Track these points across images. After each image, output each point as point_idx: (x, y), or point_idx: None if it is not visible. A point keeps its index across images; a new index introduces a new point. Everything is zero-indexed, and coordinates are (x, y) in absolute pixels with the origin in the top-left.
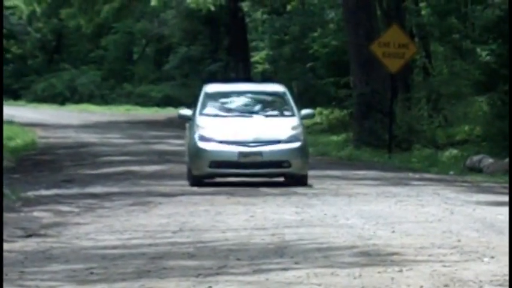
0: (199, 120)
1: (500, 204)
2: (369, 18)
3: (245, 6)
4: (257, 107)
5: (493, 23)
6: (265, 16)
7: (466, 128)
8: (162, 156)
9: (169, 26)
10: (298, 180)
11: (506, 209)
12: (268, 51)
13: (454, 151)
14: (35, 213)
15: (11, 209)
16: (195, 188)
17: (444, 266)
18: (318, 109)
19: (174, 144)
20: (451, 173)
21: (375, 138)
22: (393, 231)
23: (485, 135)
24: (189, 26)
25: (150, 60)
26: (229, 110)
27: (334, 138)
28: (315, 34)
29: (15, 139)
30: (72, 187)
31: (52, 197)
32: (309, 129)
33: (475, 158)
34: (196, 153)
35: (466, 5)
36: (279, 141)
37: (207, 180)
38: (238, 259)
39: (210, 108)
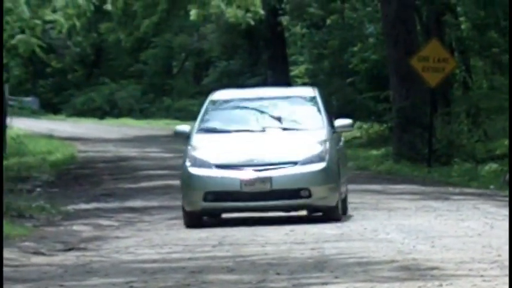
0: (195, 138)
1: None
2: (408, 32)
3: (284, 20)
4: (273, 118)
5: None
6: (304, 30)
7: (506, 142)
8: None
9: (208, 40)
10: (325, 214)
11: None
12: (307, 65)
13: (494, 165)
14: (75, 227)
15: (51, 223)
16: None
17: (484, 280)
18: (358, 123)
19: None
20: (491, 187)
21: (415, 152)
22: (433, 246)
23: None
24: (229, 40)
25: (189, 74)
26: (235, 124)
27: (374, 152)
28: (355, 48)
29: (55, 153)
30: (111, 201)
31: (92, 211)
32: (348, 144)
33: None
34: (188, 182)
35: (505, 19)
36: (295, 163)
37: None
38: (277, 273)
39: (212, 122)
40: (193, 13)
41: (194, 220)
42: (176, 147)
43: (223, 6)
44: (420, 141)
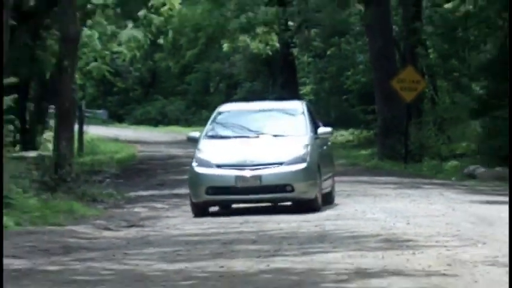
0: (202, 143)
1: (490, 203)
2: (389, 61)
3: (295, 51)
4: (267, 126)
5: (484, 64)
6: (310, 59)
7: (464, 144)
8: None
9: (237, 66)
10: (306, 206)
11: (495, 207)
12: (312, 86)
13: (455, 162)
14: (135, 209)
15: (117, 205)
16: None
17: (447, 250)
18: (350, 130)
19: None
20: (453, 179)
21: (394, 152)
22: (408, 223)
23: (479, 150)
24: (252, 66)
25: (222, 93)
26: (235, 131)
27: (363, 152)
28: (348, 73)
29: (120, 152)
30: (163, 189)
31: (148, 196)
32: (343, 145)
33: (471, 167)
34: (193, 179)
35: (463, 50)
36: (281, 163)
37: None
38: (289, 244)
39: (217, 130)
40: (225, 46)
41: (200, 210)
42: None
43: (248, 40)
44: (398, 144)
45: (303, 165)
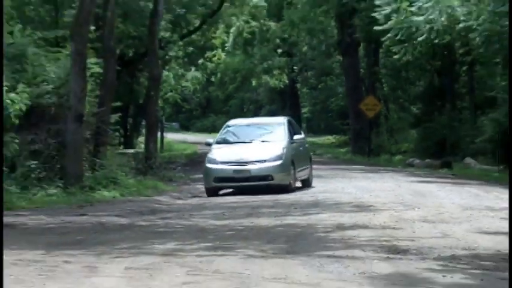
0: (213, 147)
1: (422, 182)
2: (358, 92)
3: (298, 85)
4: (258, 135)
5: (418, 94)
6: (307, 90)
7: (406, 144)
8: None
9: (261, 95)
10: (282, 189)
11: (426, 184)
12: (309, 107)
13: (400, 156)
14: (197, 186)
15: (185, 184)
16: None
17: (396, 212)
18: (334, 135)
19: None
20: (399, 167)
21: (361, 150)
22: (370, 195)
23: (415, 148)
24: (271, 95)
25: (251, 112)
26: (236, 138)
27: (341, 150)
28: (332, 99)
29: (187, 150)
30: None
31: (202, 179)
32: (329, 146)
33: (410, 159)
34: (205, 172)
35: (406, 85)
36: (264, 161)
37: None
38: (295, 208)
39: (224, 137)
40: (254, 82)
41: (210, 193)
42: None
43: (268, 79)
44: (364, 145)
45: (280, 161)
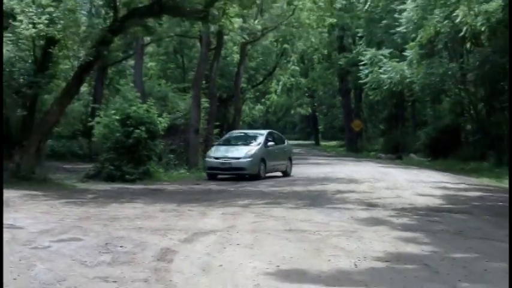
0: (213, 147)
1: (385, 167)
2: (350, 116)
3: (317, 113)
4: (244, 141)
5: (384, 118)
6: (321, 116)
7: (377, 146)
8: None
9: (295, 118)
10: (253, 177)
11: (388, 169)
12: (322, 125)
13: (373, 152)
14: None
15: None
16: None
17: (370, 183)
18: (338, 141)
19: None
20: (373, 158)
21: (352, 149)
22: (356, 174)
23: (382, 148)
24: (301, 119)
25: (290, 128)
26: (229, 143)
27: (341, 149)
28: (336, 121)
29: None
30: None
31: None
32: (334, 147)
33: (379, 154)
34: (205, 163)
35: (376, 112)
36: (240, 158)
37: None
38: (314, 181)
39: (223, 141)
40: (292, 111)
41: (209, 177)
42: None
43: (300, 110)
44: (354, 146)
45: (250, 159)
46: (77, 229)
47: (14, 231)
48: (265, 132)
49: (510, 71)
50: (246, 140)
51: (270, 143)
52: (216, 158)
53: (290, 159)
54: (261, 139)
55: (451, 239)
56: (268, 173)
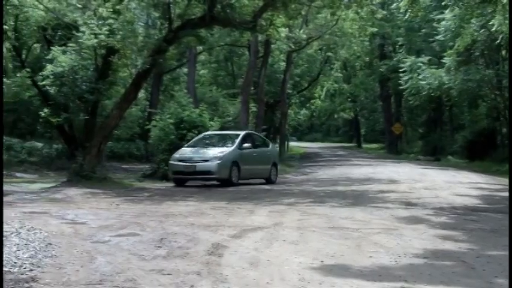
0: (181, 149)
1: (424, 169)
2: (390, 120)
3: (359, 117)
4: (217, 142)
5: (422, 122)
6: (363, 120)
7: (416, 148)
8: (339, 156)
9: (339, 122)
10: (222, 182)
11: (427, 170)
12: (364, 129)
13: (413, 154)
14: (305, 169)
15: (299, 167)
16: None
17: (409, 184)
18: (379, 144)
19: (342, 155)
20: (412, 160)
21: (392, 151)
22: (396, 174)
23: (421, 150)
24: (344, 122)
25: (334, 132)
26: (199, 144)
27: (381, 151)
28: (377, 124)
29: (300, 151)
30: (312, 163)
31: (307, 166)
32: (376, 149)
33: (418, 156)
34: (170, 166)
35: (415, 117)
36: (207, 160)
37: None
38: (357, 181)
39: (193, 142)
40: (336, 115)
41: (176, 182)
42: (330, 151)
43: (343, 114)
44: (394, 148)
45: (219, 161)
46: (135, 225)
47: (76, 226)
48: (242, 132)
49: (510, 72)
50: (219, 141)
51: (245, 145)
52: (181, 161)
53: (275, 165)
54: (236, 140)
55: (487, 237)
56: (243, 179)
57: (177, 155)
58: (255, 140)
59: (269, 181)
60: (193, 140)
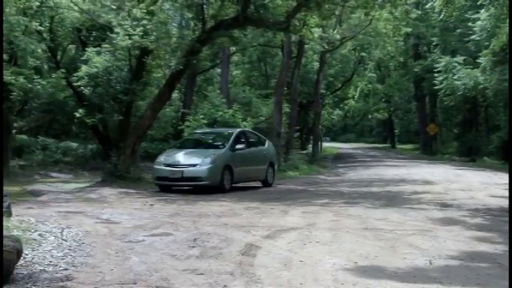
0: (167, 150)
1: (460, 169)
2: (424, 121)
3: (393, 118)
4: (207, 142)
5: (458, 122)
6: (397, 120)
7: (450, 149)
8: (373, 157)
9: (373, 122)
10: (213, 189)
11: (462, 171)
12: (398, 129)
13: (448, 155)
14: (338, 170)
15: (333, 168)
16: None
17: (445, 185)
18: (412, 144)
19: (375, 156)
20: (447, 161)
21: (427, 152)
22: (431, 175)
23: (456, 151)
24: (378, 123)
25: (368, 132)
26: (188, 145)
27: (416, 151)
28: (411, 125)
29: (334, 151)
30: (346, 164)
31: (341, 166)
32: (410, 150)
33: (453, 157)
34: (154, 171)
35: (450, 117)
36: (195, 165)
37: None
38: (391, 182)
39: (181, 144)
40: (369, 116)
41: (160, 188)
42: (364, 151)
43: (377, 114)
44: (428, 149)
45: (209, 166)
46: (168, 225)
47: (111, 225)
48: (235, 131)
49: (510, 73)
50: (210, 142)
51: (239, 146)
52: (167, 165)
53: (272, 165)
54: (227, 140)
55: None
56: (236, 183)
57: (162, 158)
58: (250, 139)
59: (265, 184)
60: (181, 140)
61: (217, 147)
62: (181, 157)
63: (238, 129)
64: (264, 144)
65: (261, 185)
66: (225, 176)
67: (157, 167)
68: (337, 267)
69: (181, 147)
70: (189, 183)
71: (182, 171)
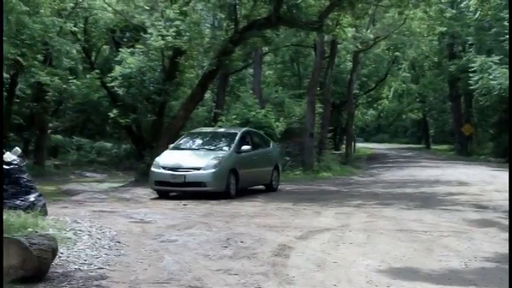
0: (165, 152)
1: (495, 171)
2: (460, 121)
3: (427, 118)
4: (209, 143)
5: (494, 123)
6: (432, 120)
7: (486, 150)
8: (406, 158)
9: (407, 122)
10: (217, 195)
11: (498, 172)
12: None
13: (483, 156)
14: (372, 171)
15: (365, 169)
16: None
17: (480, 186)
18: (447, 145)
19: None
20: (482, 162)
21: (463, 151)
22: (466, 176)
23: (491, 152)
24: (412, 123)
25: (402, 132)
26: (188, 146)
27: (451, 152)
28: (446, 125)
29: (367, 152)
30: (379, 164)
31: (374, 167)
32: (445, 151)
33: (489, 158)
34: (150, 175)
35: (486, 117)
36: (199, 168)
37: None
38: (424, 183)
39: (180, 144)
40: (404, 116)
41: (159, 194)
42: (397, 152)
43: (411, 114)
44: (463, 149)
45: (214, 169)
46: (201, 225)
47: (144, 225)
48: (239, 131)
49: (510, 73)
50: (212, 143)
51: (244, 147)
52: (166, 168)
53: (277, 168)
54: (231, 142)
55: None
56: (242, 188)
57: (160, 160)
58: (254, 139)
59: (270, 188)
60: (179, 140)
61: (221, 148)
62: (182, 159)
63: (243, 129)
64: (268, 145)
65: (264, 188)
66: (231, 181)
67: (155, 170)
68: (371, 269)
69: (180, 148)
70: (191, 189)
71: (184, 175)
